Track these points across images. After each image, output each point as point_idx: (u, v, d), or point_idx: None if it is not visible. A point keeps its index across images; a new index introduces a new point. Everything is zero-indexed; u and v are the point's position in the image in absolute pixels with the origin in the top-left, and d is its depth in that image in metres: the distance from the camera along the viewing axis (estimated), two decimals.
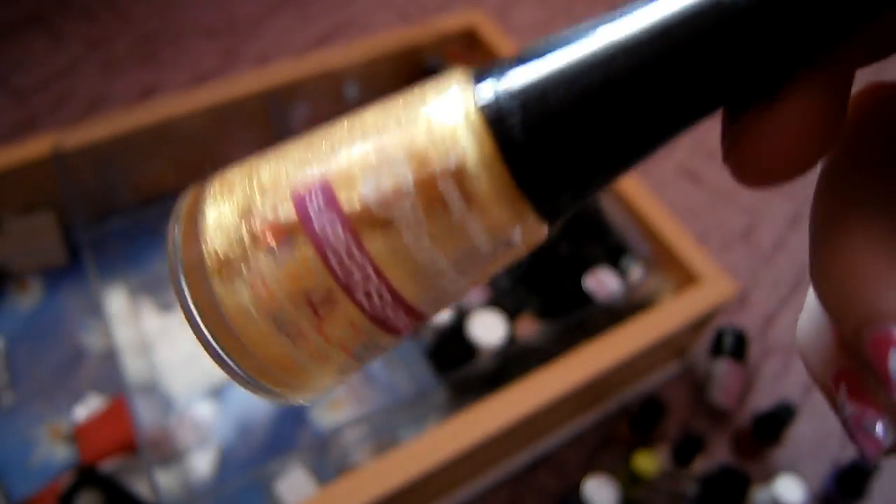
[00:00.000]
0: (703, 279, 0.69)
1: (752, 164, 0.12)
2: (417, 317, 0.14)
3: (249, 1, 1.18)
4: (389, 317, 0.13)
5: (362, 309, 0.13)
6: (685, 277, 0.71)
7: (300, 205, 0.13)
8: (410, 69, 0.93)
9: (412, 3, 1.21)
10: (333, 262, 0.12)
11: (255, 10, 1.16)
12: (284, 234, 0.13)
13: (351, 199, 0.12)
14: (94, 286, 0.72)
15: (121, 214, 0.84)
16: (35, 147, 0.75)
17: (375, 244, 0.12)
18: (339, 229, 0.12)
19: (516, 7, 1.22)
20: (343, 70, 0.87)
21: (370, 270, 0.12)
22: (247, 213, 0.13)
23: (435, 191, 0.12)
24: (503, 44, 0.90)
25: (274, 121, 0.84)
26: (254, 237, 0.13)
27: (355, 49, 0.89)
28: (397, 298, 0.13)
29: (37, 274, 0.80)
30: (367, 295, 0.13)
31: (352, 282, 0.13)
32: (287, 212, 0.13)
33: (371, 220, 0.12)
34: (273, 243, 0.13)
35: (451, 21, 0.93)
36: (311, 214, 0.12)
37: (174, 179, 0.87)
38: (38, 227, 0.78)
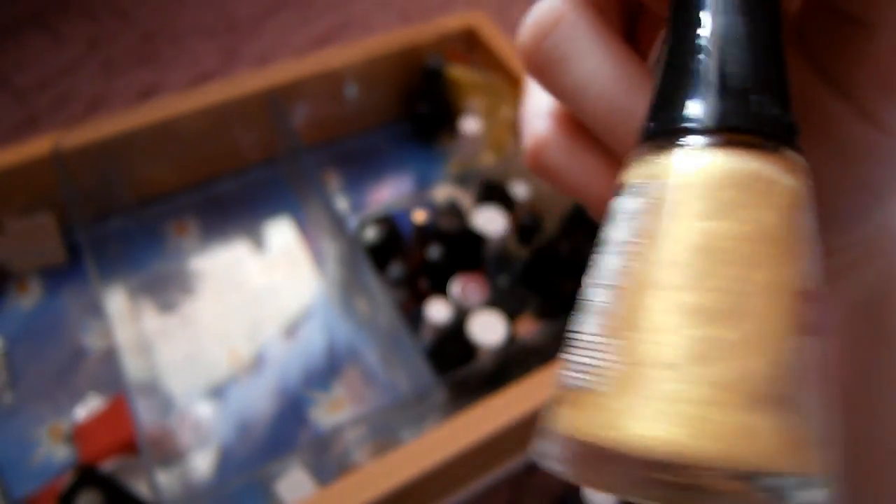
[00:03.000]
0: None
1: None
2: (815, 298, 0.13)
3: (249, 1, 1.18)
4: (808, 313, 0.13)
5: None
6: None
7: None
8: (410, 69, 0.93)
9: (412, 3, 1.21)
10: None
11: (255, 10, 1.16)
12: None
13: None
14: (94, 286, 0.72)
15: (121, 214, 0.84)
16: (35, 147, 0.75)
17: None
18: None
19: (516, 7, 1.22)
20: (343, 70, 0.87)
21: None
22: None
23: None
24: (503, 44, 0.90)
25: (274, 121, 0.84)
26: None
27: (355, 49, 0.89)
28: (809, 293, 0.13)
29: (37, 274, 0.80)
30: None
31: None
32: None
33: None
34: None
35: (451, 21, 0.93)
36: None
37: (174, 179, 0.87)
38: (37, 228, 0.78)
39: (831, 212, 0.15)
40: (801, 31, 0.15)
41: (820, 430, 0.12)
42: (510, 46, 0.90)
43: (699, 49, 0.13)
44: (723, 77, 0.13)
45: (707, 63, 0.13)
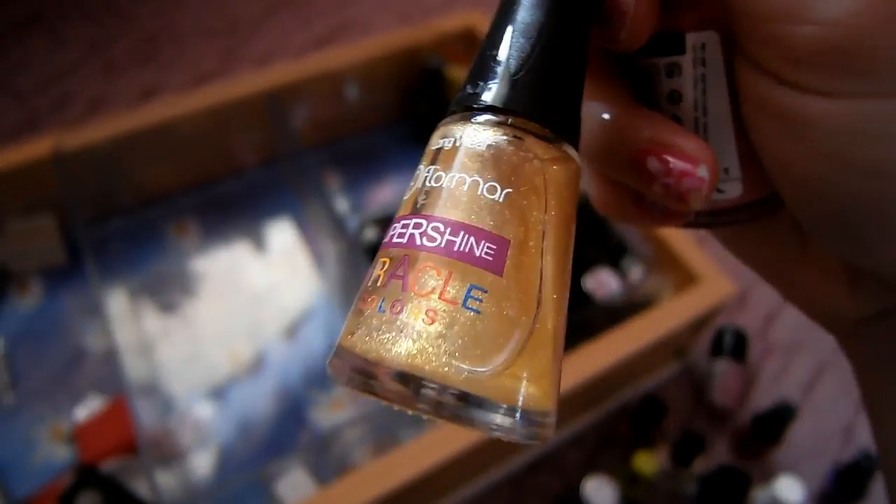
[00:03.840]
0: (703, 279, 0.69)
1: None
2: (485, 236, 0.15)
3: (249, 1, 1.18)
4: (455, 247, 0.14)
5: (431, 251, 0.14)
6: (685, 277, 0.71)
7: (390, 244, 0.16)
8: (410, 69, 0.93)
9: (412, 3, 1.21)
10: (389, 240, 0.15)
11: (255, 11, 1.17)
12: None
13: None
14: (94, 287, 0.72)
15: (121, 215, 0.85)
16: (35, 148, 0.75)
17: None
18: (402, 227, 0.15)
19: None
20: (343, 70, 0.88)
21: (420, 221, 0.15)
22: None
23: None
24: None
25: (274, 121, 0.84)
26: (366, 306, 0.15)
27: (355, 49, 0.89)
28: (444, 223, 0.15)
29: (37, 275, 0.80)
30: (428, 237, 0.15)
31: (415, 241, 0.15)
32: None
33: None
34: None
35: (451, 21, 0.93)
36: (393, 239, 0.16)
37: (174, 180, 0.87)
38: (38, 229, 0.78)
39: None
40: (737, 38, 0.16)
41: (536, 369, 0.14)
42: None
43: (498, 43, 0.16)
44: (510, 70, 0.15)
45: (499, 56, 0.16)
